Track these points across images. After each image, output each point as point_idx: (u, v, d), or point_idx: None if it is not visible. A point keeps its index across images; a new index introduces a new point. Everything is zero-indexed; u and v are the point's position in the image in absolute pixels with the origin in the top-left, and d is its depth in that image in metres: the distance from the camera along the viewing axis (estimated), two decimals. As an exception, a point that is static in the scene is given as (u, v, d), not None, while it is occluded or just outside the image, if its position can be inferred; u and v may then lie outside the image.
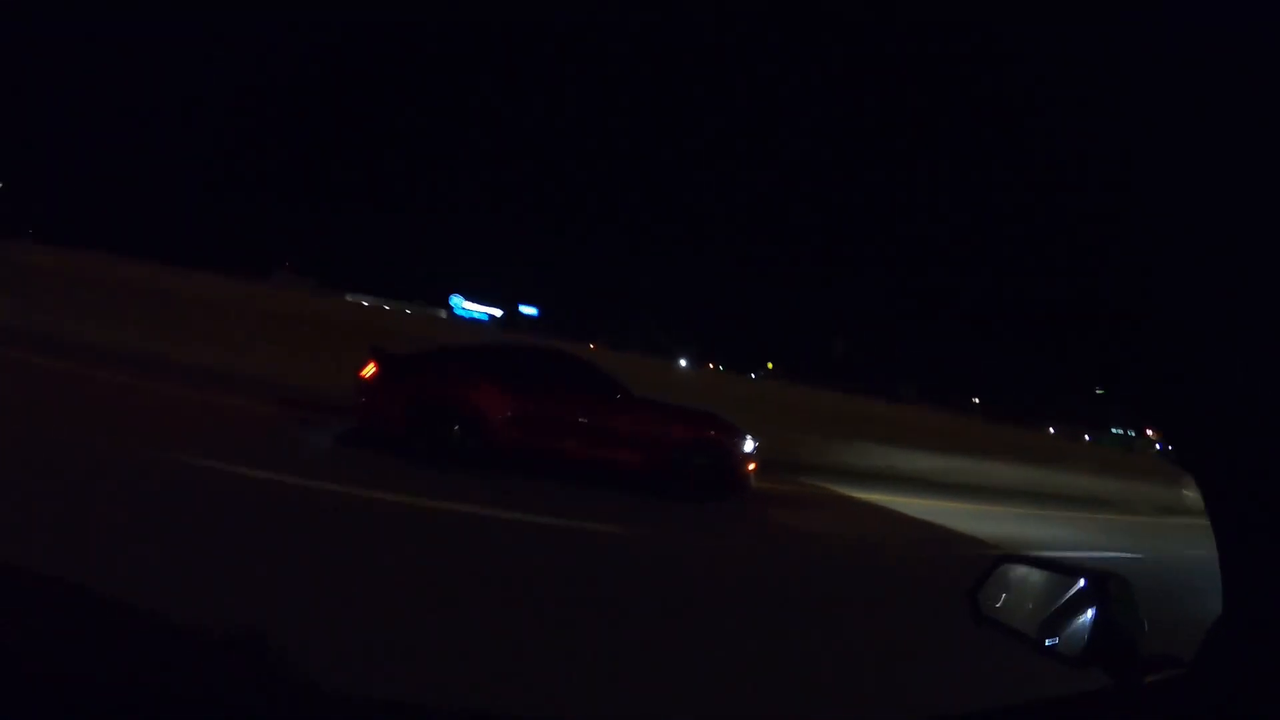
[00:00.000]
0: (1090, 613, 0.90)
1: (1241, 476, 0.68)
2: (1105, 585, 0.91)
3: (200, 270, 10.98)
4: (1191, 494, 14.44)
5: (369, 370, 5.72)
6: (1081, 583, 0.94)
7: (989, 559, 1.10)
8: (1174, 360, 0.70)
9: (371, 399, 5.69)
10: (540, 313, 51.89)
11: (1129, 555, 7.21)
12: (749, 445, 6.18)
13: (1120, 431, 54.53)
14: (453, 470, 5.30)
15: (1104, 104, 0.60)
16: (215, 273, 10.90)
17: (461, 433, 5.54)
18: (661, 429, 5.94)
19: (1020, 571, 1.08)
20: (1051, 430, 49.29)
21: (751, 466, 6.17)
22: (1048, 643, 0.94)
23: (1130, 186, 0.63)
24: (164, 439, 4.59)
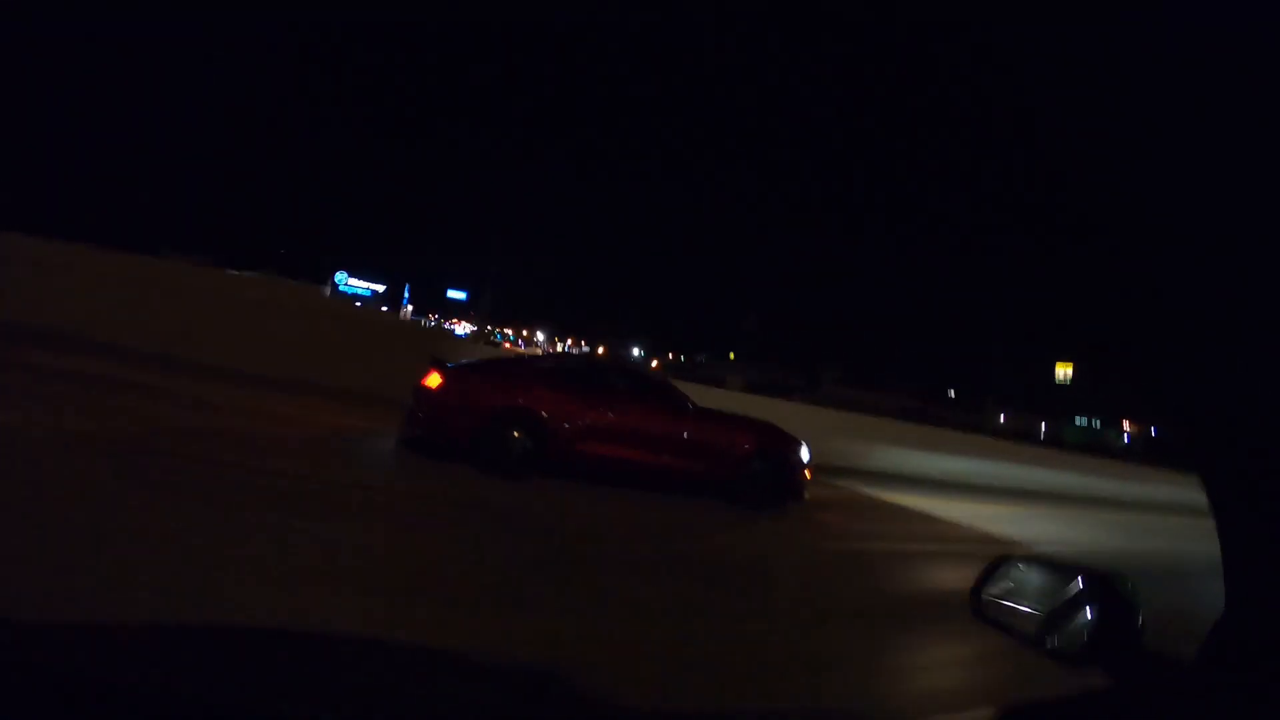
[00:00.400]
0: (1091, 611, 0.98)
1: (1243, 476, 0.73)
2: (1106, 584, 1.00)
3: (92, 244, 10.57)
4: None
5: (432, 380, 6.09)
6: (1082, 581, 1.02)
7: (993, 557, 1.22)
8: (1175, 359, 0.76)
9: (434, 409, 6.09)
10: (469, 297, 51.76)
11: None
12: (805, 454, 6.99)
13: (1085, 422, 55.98)
14: (529, 479, 5.86)
15: (1104, 104, 0.64)
16: (107, 247, 10.56)
17: (530, 442, 6.04)
18: (727, 439, 6.66)
19: (1022, 569, 1.17)
20: (1002, 418, 52.82)
21: (807, 474, 7.00)
22: (1049, 640, 1.03)
23: (1129, 185, 0.69)
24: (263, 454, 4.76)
